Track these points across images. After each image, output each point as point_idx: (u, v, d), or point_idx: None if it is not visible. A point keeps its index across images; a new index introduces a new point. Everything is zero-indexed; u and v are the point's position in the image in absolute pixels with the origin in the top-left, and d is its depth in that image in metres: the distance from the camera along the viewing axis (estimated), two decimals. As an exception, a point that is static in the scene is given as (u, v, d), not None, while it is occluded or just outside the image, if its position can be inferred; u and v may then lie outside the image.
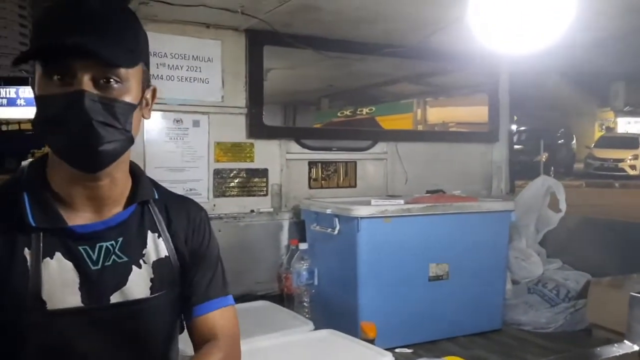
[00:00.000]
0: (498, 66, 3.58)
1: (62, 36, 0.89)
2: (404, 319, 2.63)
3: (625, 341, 1.39)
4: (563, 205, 3.21)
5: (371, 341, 2.15)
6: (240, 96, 2.92)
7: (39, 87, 0.93)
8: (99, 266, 1.00)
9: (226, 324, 1.18)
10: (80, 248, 0.99)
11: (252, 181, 2.99)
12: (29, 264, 0.95)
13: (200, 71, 2.81)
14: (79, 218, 1.00)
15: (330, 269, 2.77)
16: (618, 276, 2.84)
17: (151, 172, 2.56)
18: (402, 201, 2.78)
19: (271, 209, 3.02)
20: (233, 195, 2.94)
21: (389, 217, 2.59)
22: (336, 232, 2.64)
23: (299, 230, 2.98)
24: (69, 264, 0.98)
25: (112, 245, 1.02)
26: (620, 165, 18.66)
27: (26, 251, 0.95)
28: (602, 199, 11.21)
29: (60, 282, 0.97)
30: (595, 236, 3.38)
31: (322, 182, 3.18)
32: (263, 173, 3.01)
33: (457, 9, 2.38)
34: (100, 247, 1.01)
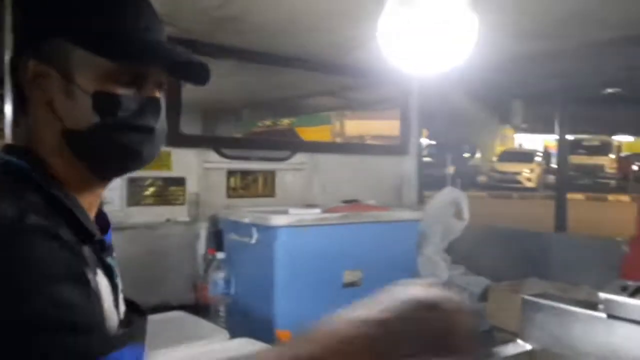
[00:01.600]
0: (409, 83, 3.78)
1: (152, 37, 0.84)
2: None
3: (518, 340, 1.53)
4: (466, 215, 3.44)
5: (287, 348, 2.19)
6: (158, 103, 2.88)
7: (92, 80, 0.80)
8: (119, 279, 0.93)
9: None
10: (109, 260, 0.89)
11: (169, 190, 2.95)
12: (91, 282, 0.78)
13: (116, 77, 2.74)
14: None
15: (247, 278, 2.79)
16: (515, 281, 3.09)
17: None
18: (318, 210, 2.87)
19: (188, 218, 3.00)
20: (148, 204, 2.88)
21: (306, 226, 2.66)
22: (254, 241, 2.66)
23: (217, 239, 2.97)
24: (105, 280, 0.86)
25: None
26: (519, 178, 20.13)
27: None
28: (503, 208, 12.01)
29: (106, 300, 0.84)
30: (495, 243, 3.64)
31: (241, 191, 3.20)
32: (180, 182, 2.99)
33: (371, 29, 2.52)
34: (114, 257, 0.93)
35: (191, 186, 3.03)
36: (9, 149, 0.84)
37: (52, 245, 0.70)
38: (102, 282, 0.84)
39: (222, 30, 2.75)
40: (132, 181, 2.82)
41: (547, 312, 1.46)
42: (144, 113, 0.84)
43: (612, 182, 21.06)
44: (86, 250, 0.81)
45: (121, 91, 0.82)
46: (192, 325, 2.43)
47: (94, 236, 0.84)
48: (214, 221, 3.02)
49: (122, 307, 0.95)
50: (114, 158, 0.85)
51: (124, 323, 0.91)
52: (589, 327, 1.36)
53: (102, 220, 0.96)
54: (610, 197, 17.59)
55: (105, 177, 0.90)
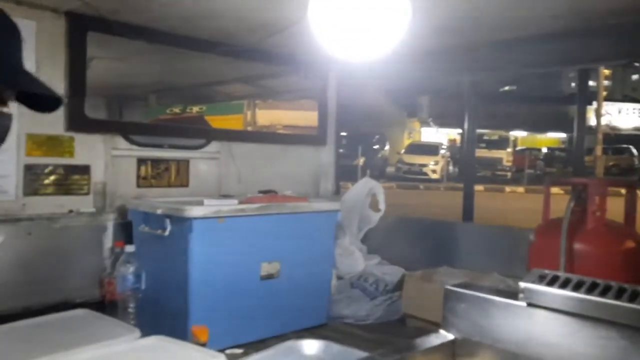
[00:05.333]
0: (327, 74, 3.76)
1: None
2: (235, 320, 2.61)
3: (440, 331, 1.54)
4: (382, 206, 3.49)
5: (203, 345, 2.09)
6: (58, 85, 2.63)
7: None
8: None
9: None
10: None
11: (72, 179, 2.72)
12: None
13: (9, 53, 2.47)
14: None
15: (159, 272, 2.64)
16: (428, 269, 3.17)
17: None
18: (235, 201, 2.77)
19: (93, 209, 2.79)
20: (48, 194, 2.64)
21: (222, 218, 2.56)
22: (167, 233, 2.52)
23: (126, 232, 2.79)
24: None
25: None
26: (425, 169, 20.99)
27: None
28: (411, 198, 12.46)
29: None
30: (408, 233, 3.73)
31: (152, 180, 3.02)
32: (84, 170, 2.76)
33: (294, 13, 2.45)
34: None
35: (97, 175, 2.81)
36: None
37: None
38: None
39: (128, 7, 2.56)
40: (28, 168, 2.57)
41: (469, 302, 1.48)
42: None
43: (509, 175, 22.58)
44: None
45: None
46: (98, 324, 2.25)
47: None
48: (123, 212, 2.84)
49: None
50: None
51: None
52: (510, 315, 1.39)
53: None
54: (507, 188, 18.83)
55: None
